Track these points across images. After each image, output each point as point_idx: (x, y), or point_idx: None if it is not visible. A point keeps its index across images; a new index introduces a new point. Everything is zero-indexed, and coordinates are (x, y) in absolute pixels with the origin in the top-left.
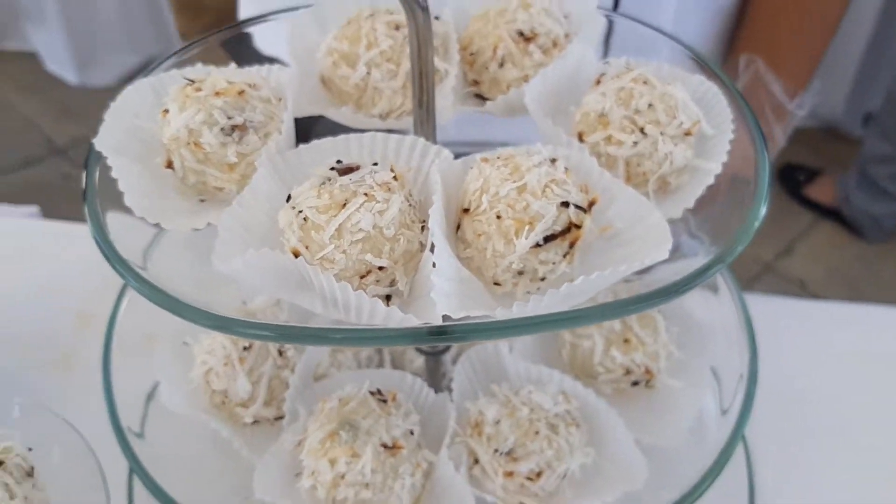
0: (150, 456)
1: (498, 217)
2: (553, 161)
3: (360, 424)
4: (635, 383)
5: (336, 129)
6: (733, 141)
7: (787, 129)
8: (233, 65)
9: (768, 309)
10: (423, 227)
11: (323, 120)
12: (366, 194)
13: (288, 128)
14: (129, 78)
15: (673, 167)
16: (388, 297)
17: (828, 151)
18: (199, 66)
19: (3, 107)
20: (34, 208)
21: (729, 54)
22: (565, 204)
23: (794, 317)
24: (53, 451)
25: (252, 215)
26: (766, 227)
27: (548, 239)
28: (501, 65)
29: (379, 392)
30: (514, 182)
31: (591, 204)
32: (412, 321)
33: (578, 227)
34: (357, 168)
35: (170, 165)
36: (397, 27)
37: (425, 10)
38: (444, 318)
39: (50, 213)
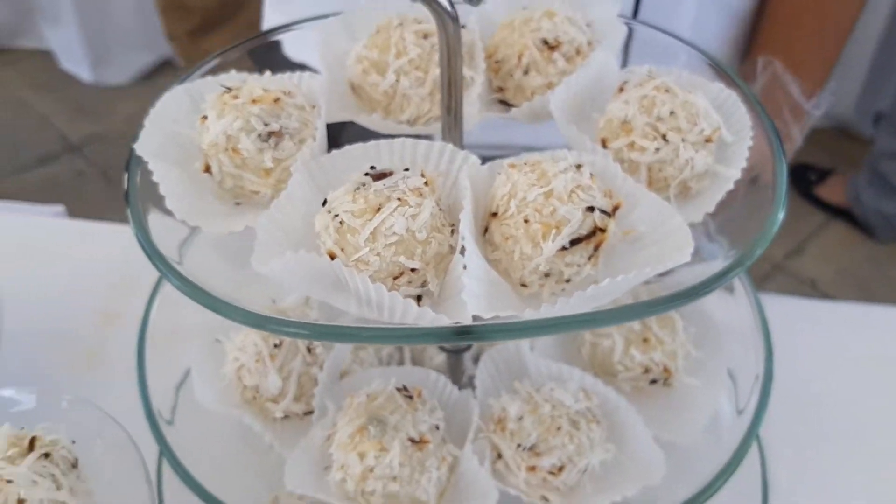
0: (178, 442)
1: (526, 221)
2: (578, 167)
3: (388, 419)
4: (653, 382)
5: (364, 134)
6: (752, 147)
7: (803, 129)
8: (268, 73)
9: (782, 310)
10: (452, 231)
11: (351, 125)
12: (399, 199)
13: (321, 134)
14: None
15: (694, 173)
16: (419, 298)
17: (839, 151)
18: (233, 72)
19: (18, 105)
20: (60, 207)
21: (746, 57)
22: (590, 208)
23: (808, 318)
24: (96, 444)
25: (288, 219)
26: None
27: (573, 242)
28: (526, 72)
29: (405, 388)
30: (542, 187)
31: (615, 208)
32: (443, 321)
33: (603, 230)
34: (390, 174)
35: (207, 170)
36: (425, 36)
37: (455, 20)
38: (474, 317)
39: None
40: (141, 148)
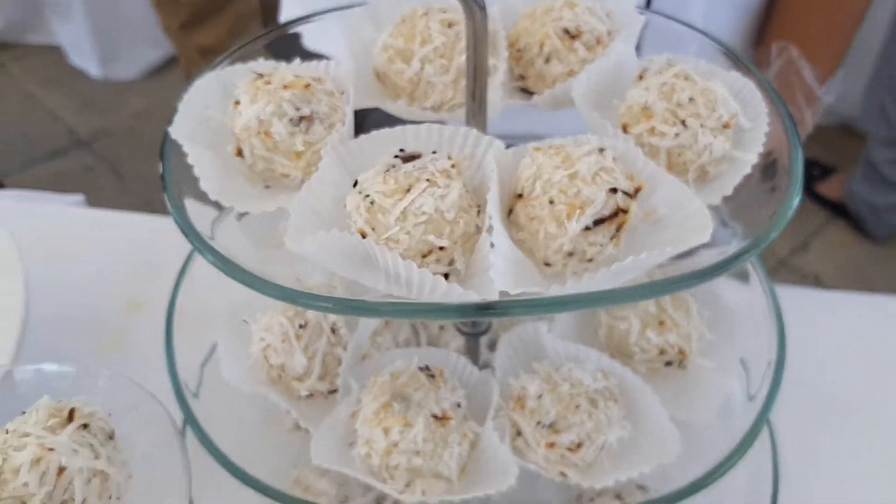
0: (203, 415)
1: (551, 202)
2: (601, 150)
3: (412, 397)
4: (668, 364)
5: (388, 120)
6: (767, 133)
7: (816, 114)
8: (297, 60)
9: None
10: (478, 212)
11: (374, 112)
12: (428, 180)
13: (350, 119)
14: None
15: (712, 157)
16: (446, 276)
17: (843, 150)
18: (261, 60)
19: (27, 99)
20: (79, 197)
21: (758, 45)
22: (613, 190)
23: (817, 308)
24: (132, 417)
25: (319, 200)
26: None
27: (597, 222)
28: (547, 60)
29: (427, 368)
30: (566, 170)
31: (637, 190)
32: (471, 296)
33: (625, 211)
34: (419, 156)
35: (239, 153)
36: (450, 25)
37: (483, 9)
38: (501, 293)
39: None
40: (175, 131)
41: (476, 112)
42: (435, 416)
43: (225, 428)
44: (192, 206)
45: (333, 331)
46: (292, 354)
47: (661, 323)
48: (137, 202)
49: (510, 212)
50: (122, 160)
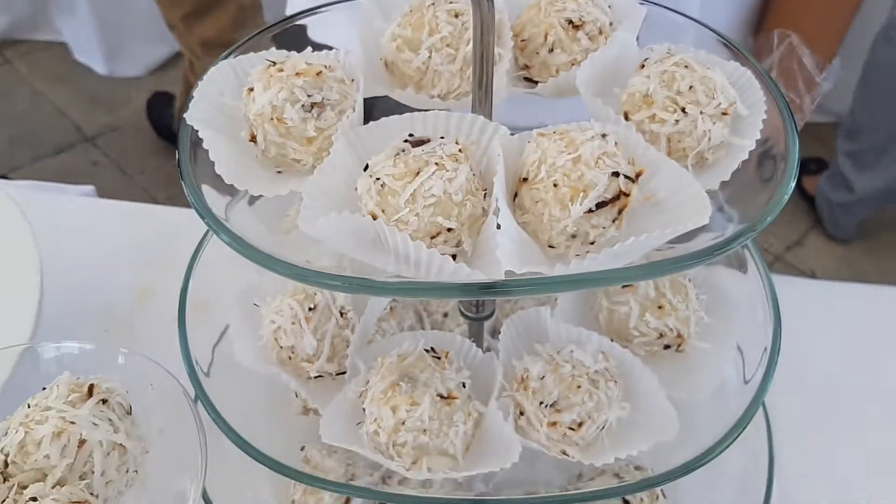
0: (214, 393)
1: (555, 185)
2: (604, 136)
3: (418, 377)
4: (667, 347)
5: (396, 108)
6: (765, 120)
7: (815, 100)
8: (308, 49)
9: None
10: (484, 195)
11: (382, 100)
12: (436, 164)
13: (360, 106)
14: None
15: (711, 144)
16: (453, 257)
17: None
18: (273, 49)
19: (33, 96)
20: (90, 188)
21: (756, 34)
22: (615, 174)
23: (812, 296)
24: (148, 394)
25: (330, 183)
26: (778, 218)
27: (599, 205)
28: (551, 50)
29: (433, 350)
30: (570, 154)
31: (638, 175)
32: (479, 276)
33: (627, 195)
34: (428, 141)
35: (253, 139)
36: (456, 15)
37: (490, 0)
38: (507, 273)
39: None
40: (191, 117)
41: (482, 100)
42: (441, 396)
43: (235, 409)
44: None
45: (342, 314)
46: (302, 336)
47: (660, 307)
48: (142, 197)
49: (515, 195)
50: (127, 156)
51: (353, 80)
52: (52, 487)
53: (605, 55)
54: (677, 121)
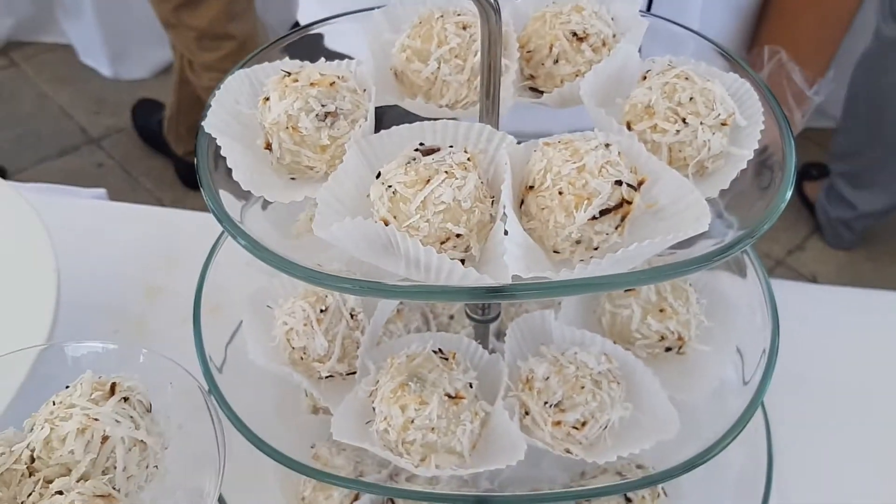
0: (226, 389)
1: (560, 193)
2: (607, 145)
3: (427, 377)
4: (668, 349)
5: (405, 117)
6: (762, 130)
7: (806, 114)
8: (322, 59)
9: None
10: (492, 202)
11: (393, 109)
12: (446, 172)
13: (371, 115)
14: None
15: (710, 153)
16: (462, 262)
17: None
18: (287, 59)
19: (39, 97)
20: (101, 191)
21: (751, 47)
22: (618, 182)
23: (811, 301)
24: (167, 392)
25: (343, 190)
26: (779, 223)
27: (603, 212)
28: (556, 61)
29: (440, 351)
30: (575, 163)
31: (640, 183)
32: (487, 280)
33: (629, 202)
34: (438, 150)
35: (268, 146)
36: (465, 27)
37: (497, 12)
38: (514, 278)
39: None
40: (209, 125)
41: (490, 109)
42: (448, 395)
43: (246, 408)
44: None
45: (352, 316)
46: (314, 337)
47: (662, 311)
48: (147, 199)
49: (521, 202)
50: (132, 158)
51: (364, 90)
52: (77, 482)
53: (609, 66)
54: (678, 131)
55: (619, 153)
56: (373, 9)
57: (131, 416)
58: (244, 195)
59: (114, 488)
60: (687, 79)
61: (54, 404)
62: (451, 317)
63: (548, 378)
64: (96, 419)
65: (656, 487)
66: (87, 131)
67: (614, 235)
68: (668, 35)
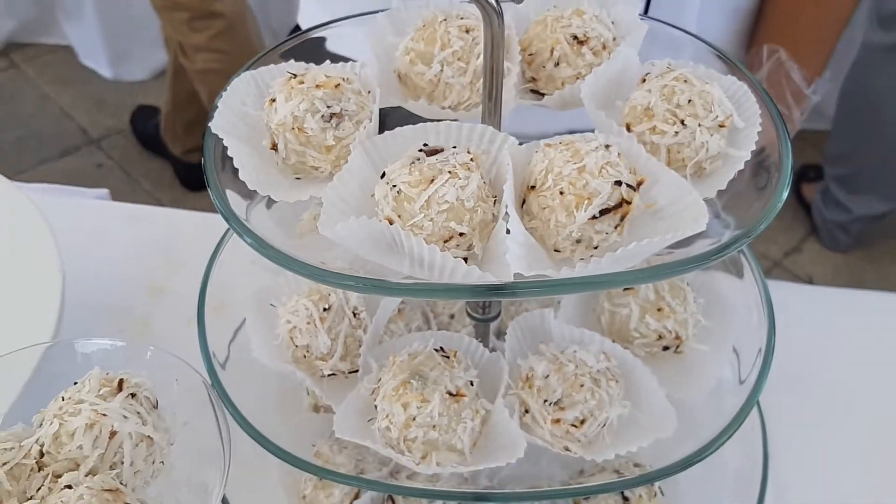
0: (230, 387)
1: (561, 193)
2: (607, 147)
3: (428, 375)
4: (666, 348)
5: (409, 118)
6: (760, 132)
7: (804, 112)
8: (327, 62)
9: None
10: (494, 202)
11: (397, 110)
12: (449, 172)
13: (376, 116)
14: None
15: (708, 154)
16: (465, 260)
17: None
18: (292, 61)
19: (40, 98)
20: (104, 191)
21: (749, 47)
22: (618, 182)
23: (807, 301)
24: (174, 389)
25: (348, 190)
26: (776, 225)
27: (603, 212)
28: (557, 64)
29: (442, 349)
30: (575, 164)
31: (640, 183)
32: (489, 278)
33: (629, 202)
34: (441, 150)
35: (274, 147)
36: (467, 30)
37: (500, 15)
38: (515, 276)
39: None
40: (215, 126)
41: (492, 111)
42: (450, 393)
43: (249, 406)
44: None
45: (355, 314)
46: (316, 336)
47: (660, 310)
48: (147, 200)
49: (523, 202)
50: (132, 159)
51: (369, 91)
52: (85, 476)
53: (609, 69)
54: (677, 132)
55: (618, 154)
56: (375, 12)
57: (138, 413)
58: (249, 195)
59: (121, 483)
60: (685, 81)
61: (63, 400)
62: (452, 316)
63: (547, 376)
64: (104, 415)
65: (653, 486)
66: (87, 132)
67: (614, 235)
68: (667, 38)
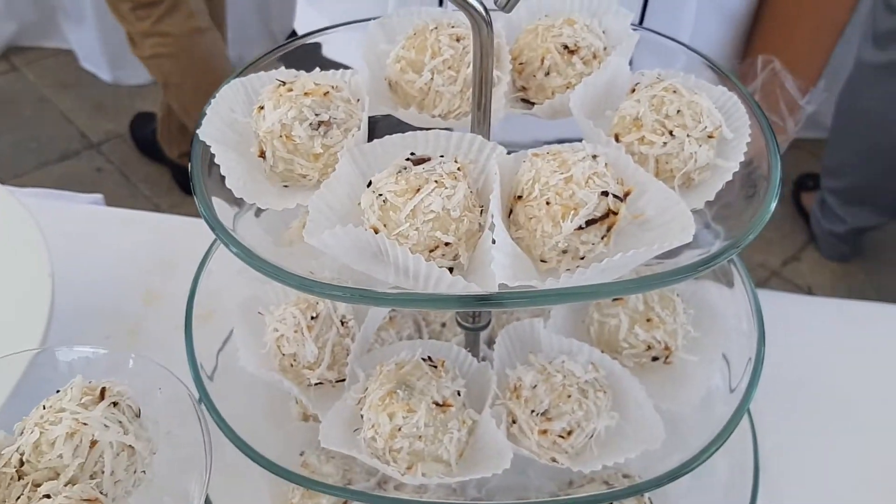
0: (217, 397)
1: (547, 203)
2: (594, 157)
3: (415, 385)
4: (655, 359)
5: (397, 126)
6: (749, 143)
7: (799, 122)
8: (317, 69)
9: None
10: (481, 211)
11: (387, 118)
12: (436, 181)
13: (364, 124)
14: None
15: (697, 165)
16: (450, 270)
17: None
18: (283, 68)
19: (40, 102)
20: (98, 196)
21: (745, 55)
22: (605, 193)
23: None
24: (156, 397)
25: (335, 198)
26: (775, 234)
27: (589, 223)
28: (548, 73)
29: (430, 359)
30: (562, 174)
31: (627, 194)
32: (474, 288)
33: (615, 213)
34: (428, 159)
35: (262, 154)
36: (458, 39)
37: (489, 24)
38: (500, 286)
39: None
40: (203, 134)
41: (481, 120)
42: (436, 403)
43: (237, 414)
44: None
45: (343, 323)
46: (304, 344)
47: (649, 320)
48: (145, 204)
49: (510, 212)
50: (131, 163)
51: (358, 99)
52: (65, 486)
53: (598, 79)
54: (665, 143)
55: (605, 165)
56: (370, 19)
57: (120, 422)
58: (238, 202)
59: (101, 493)
60: (674, 92)
61: (44, 408)
62: (444, 324)
63: (535, 386)
64: (85, 424)
65: (642, 497)
66: (87, 136)
67: (600, 245)
68: (662, 46)
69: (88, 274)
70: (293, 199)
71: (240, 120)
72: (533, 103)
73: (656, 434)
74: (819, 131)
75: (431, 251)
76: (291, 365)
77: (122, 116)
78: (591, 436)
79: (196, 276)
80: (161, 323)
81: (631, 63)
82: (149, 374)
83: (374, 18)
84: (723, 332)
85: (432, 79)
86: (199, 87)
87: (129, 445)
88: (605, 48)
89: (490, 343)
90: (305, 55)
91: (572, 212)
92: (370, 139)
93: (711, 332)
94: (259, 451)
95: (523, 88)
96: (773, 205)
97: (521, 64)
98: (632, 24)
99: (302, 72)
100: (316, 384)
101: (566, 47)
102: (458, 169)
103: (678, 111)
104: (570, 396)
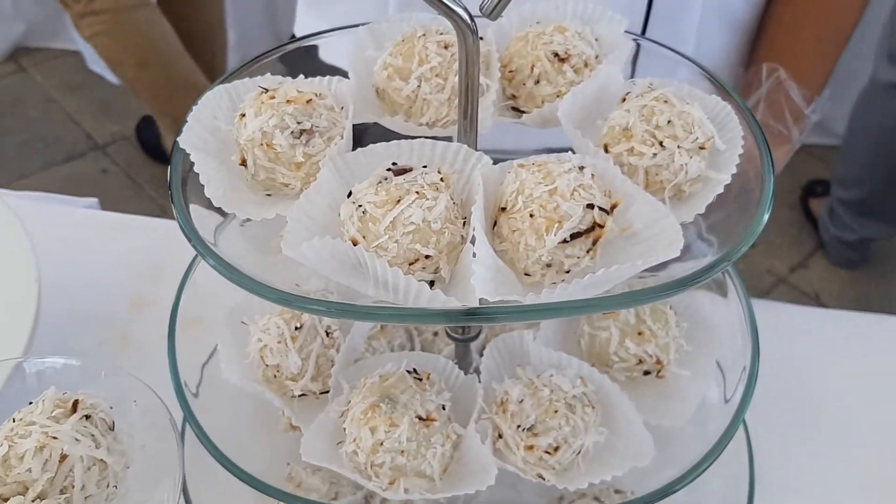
0: (201, 414)
1: (531, 216)
2: (581, 168)
3: (399, 398)
4: (646, 373)
5: (385, 134)
6: (742, 155)
7: (803, 132)
8: (301, 76)
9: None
10: (464, 223)
11: (373, 126)
12: (417, 192)
13: (348, 133)
14: None
15: (688, 177)
16: (431, 283)
17: None
18: (268, 75)
19: (47, 103)
20: (93, 200)
21: (749, 63)
22: (590, 206)
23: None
24: (131, 410)
25: (316, 208)
26: (782, 240)
27: (574, 236)
28: (537, 82)
29: (415, 371)
30: (547, 185)
31: (614, 206)
32: (453, 303)
33: (601, 226)
34: (410, 170)
35: (243, 163)
36: (446, 46)
37: (474, 32)
38: (481, 301)
39: None
40: (184, 141)
41: (467, 129)
42: (420, 417)
43: (222, 426)
44: (198, 212)
45: (328, 333)
46: (287, 355)
47: (640, 333)
48: (150, 206)
49: (495, 224)
50: (136, 165)
51: (342, 107)
52: (33, 501)
53: (588, 88)
54: (655, 154)
55: (592, 176)
56: (365, 24)
57: (92, 435)
58: (222, 211)
59: None
60: (666, 102)
61: (14, 421)
62: (436, 334)
63: (522, 401)
64: (55, 437)
65: None
66: (93, 137)
67: (586, 259)
68: (663, 57)
69: (79, 280)
70: (273, 208)
71: (222, 127)
72: (523, 112)
73: (645, 451)
74: (828, 137)
75: (411, 264)
76: (275, 376)
77: (128, 118)
78: (579, 452)
79: (180, 287)
80: (153, 329)
81: (634, 71)
82: (125, 386)
83: (362, 25)
84: (716, 345)
85: (419, 87)
86: (141, 62)
87: (101, 459)
88: (597, 56)
89: (482, 354)
90: (304, 59)
91: (556, 225)
92: (356, 147)
93: (705, 345)
94: (244, 464)
95: (513, 97)
96: (766, 217)
97: (510, 72)
98: (634, 34)
99: (288, 78)
100: (300, 396)
101: (556, 55)
102: (441, 180)
103: (669, 121)
104: (556, 412)
